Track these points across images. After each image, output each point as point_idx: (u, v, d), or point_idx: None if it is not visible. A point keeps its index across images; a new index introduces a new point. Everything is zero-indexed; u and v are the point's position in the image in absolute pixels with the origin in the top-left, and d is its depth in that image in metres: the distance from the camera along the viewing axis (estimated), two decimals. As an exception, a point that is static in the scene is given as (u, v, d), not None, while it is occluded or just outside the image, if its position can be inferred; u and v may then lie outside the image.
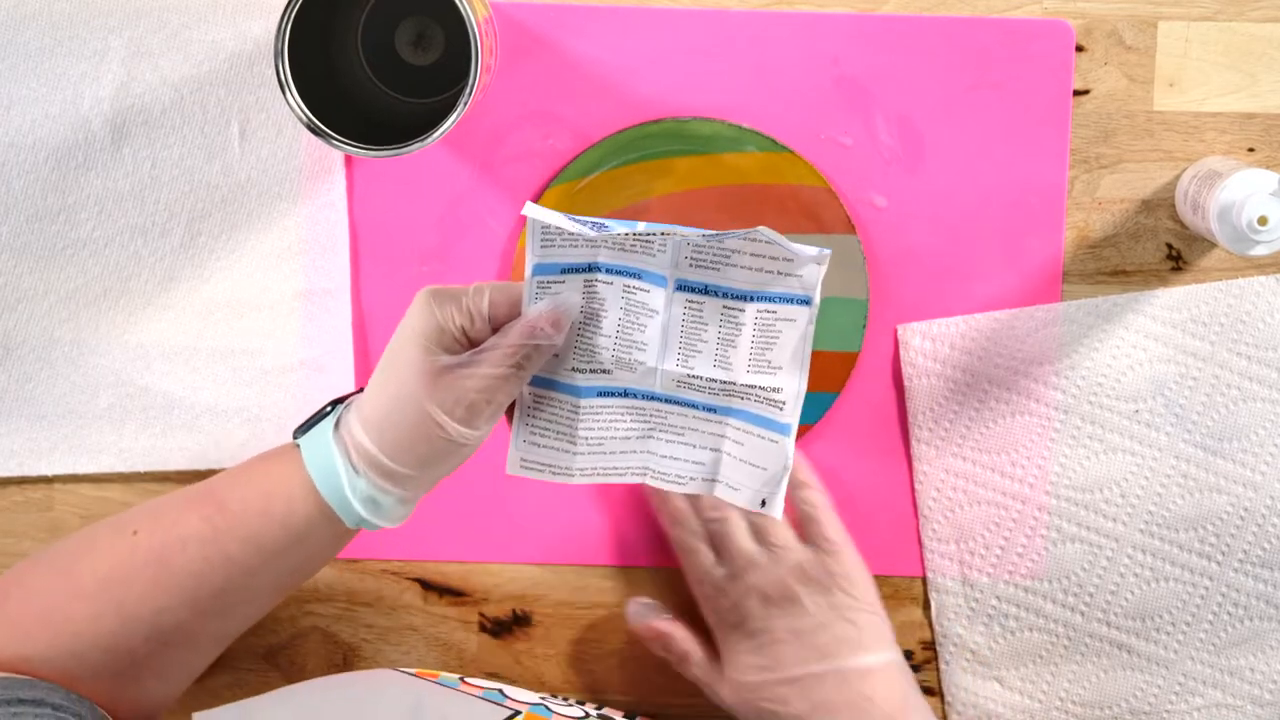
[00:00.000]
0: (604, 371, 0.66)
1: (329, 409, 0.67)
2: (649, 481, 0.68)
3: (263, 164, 0.82)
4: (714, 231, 0.63)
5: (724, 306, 0.64)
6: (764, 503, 0.65)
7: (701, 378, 0.65)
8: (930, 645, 0.85)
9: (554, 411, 0.67)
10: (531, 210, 0.62)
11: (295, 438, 0.67)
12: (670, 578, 0.85)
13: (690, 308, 0.65)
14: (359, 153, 0.72)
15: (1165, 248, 0.83)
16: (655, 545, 0.85)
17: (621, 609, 0.85)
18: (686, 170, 0.81)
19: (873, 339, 0.83)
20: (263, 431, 0.83)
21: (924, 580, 0.85)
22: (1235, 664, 0.84)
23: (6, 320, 0.83)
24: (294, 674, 0.86)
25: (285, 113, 0.81)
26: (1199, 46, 0.81)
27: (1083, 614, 0.84)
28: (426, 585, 0.86)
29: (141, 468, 0.84)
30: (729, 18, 0.81)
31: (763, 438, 0.65)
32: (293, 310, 0.83)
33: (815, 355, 0.81)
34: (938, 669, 0.85)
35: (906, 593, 0.85)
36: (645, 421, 0.67)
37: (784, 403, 0.64)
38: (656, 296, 0.65)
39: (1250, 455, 0.83)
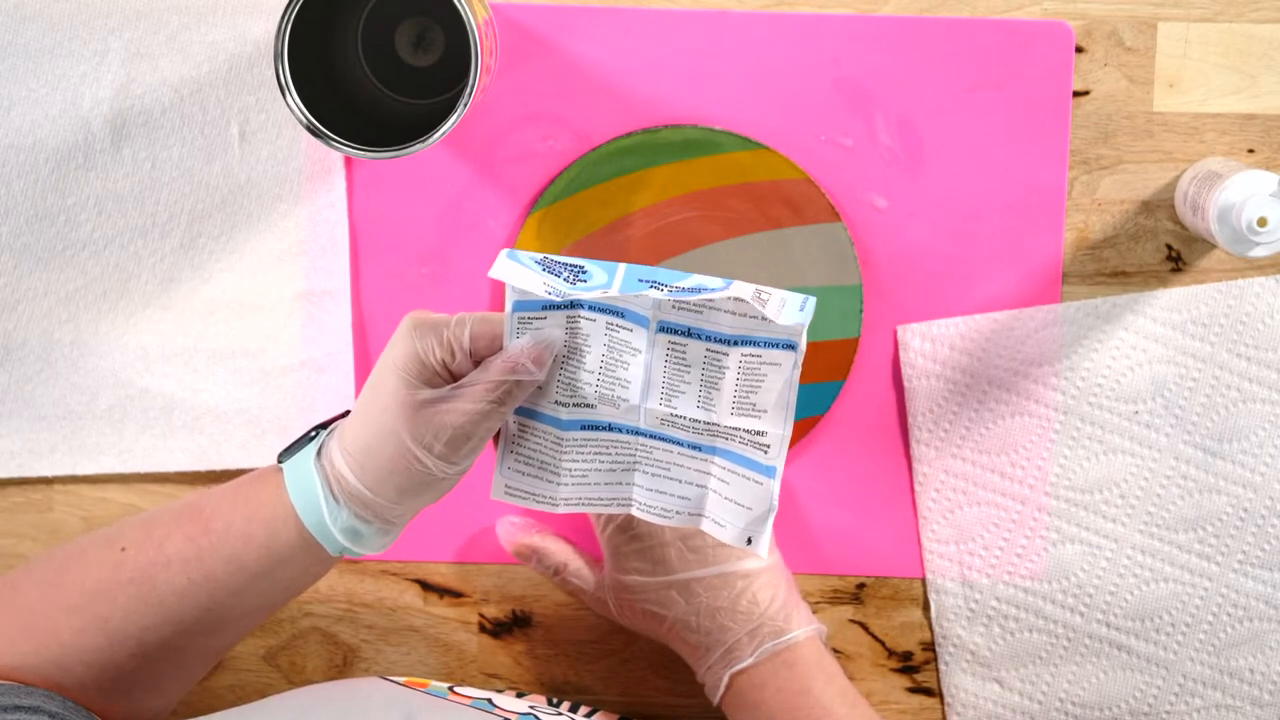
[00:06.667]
0: (587, 406, 0.66)
1: (314, 433, 0.67)
2: (634, 513, 0.68)
3: (263, 165, 0.82)
4: (691, 286, 0.62)
5: (707, 349, 0.64)
6: (750, 540, 0.65)
7: (685, 417, 0.65)
8: (930, 646, 0.85)
9: (538, 442, 0.67)
10: (503, 272, 0.62)
11: (280, 461, 0.67)
12: (670, 578, 0.85)
13: (673, 349, 0.64)
14: (358, 154, 0.72)
15: (1165, 249, 0.83)
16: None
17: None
18: (665, 179, 0.81)
19: (872, 338, 0.83)
20: (263, 433, 0.83)
21: (924, 581, 0.85)
22: (1235, 665, 0.84)
23: (6, 321, 0.83)
24: (294, 675, 0.86)
25: (285, 114, 0.81)
26: (1199, 47, 0.81)
27: (1082, 615, 0.84)
28: (426, 586, 0.86)
29: (142, 469, 0.84)
30: (729, 19, 0.81)
31: (748, 478, 0.65)
32: (293, 311, 0.83)
33: (818, 346, 0.81)
34: (937, 670, 0.85)
35: (906, 594, 0.85)
36: (630, 455, 0.67)
37: (768, 446, 0.64)
38: (639, 336, 0.64)
39: (1250, 456, 0.83)
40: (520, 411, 0.67)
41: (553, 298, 0.62)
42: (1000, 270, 0.83)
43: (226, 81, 0.82)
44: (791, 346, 0.62)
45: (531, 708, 0.72)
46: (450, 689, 0.72)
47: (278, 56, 0.71)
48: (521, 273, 0.62)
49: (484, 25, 0.72)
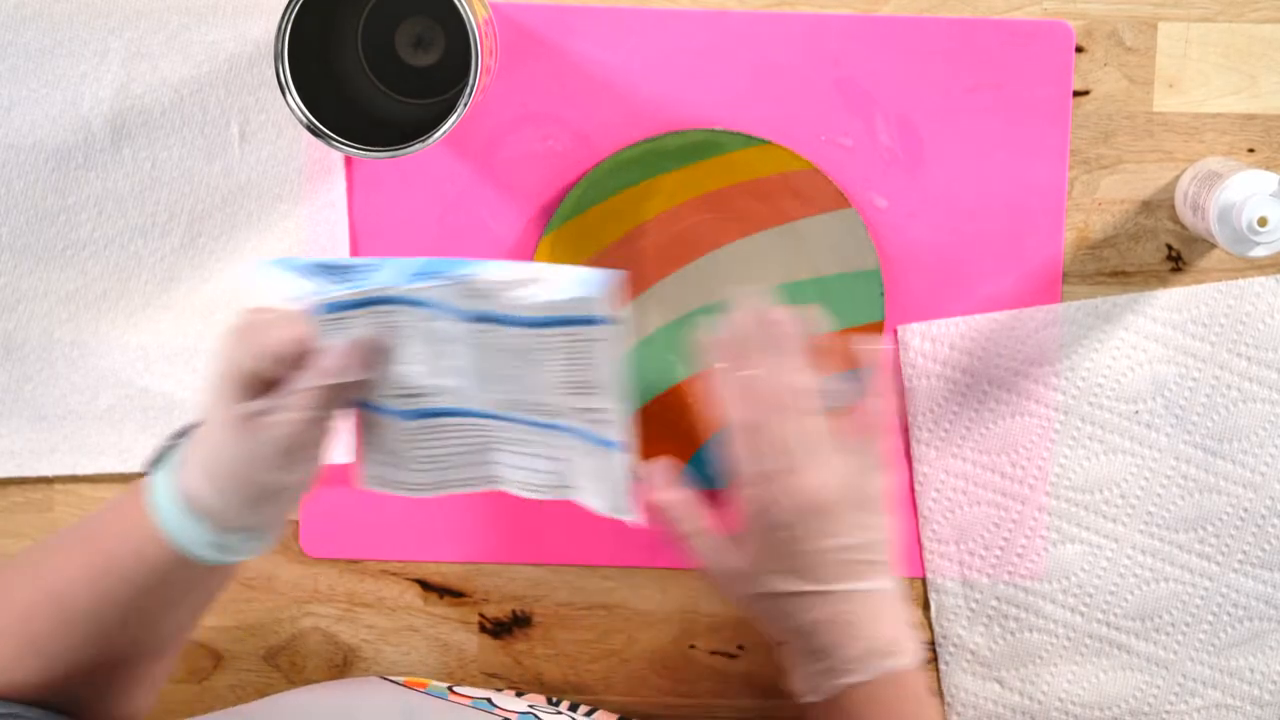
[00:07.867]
0: (419, 395, 0.65)
1: (179, 440, 0.64)
2: (504, 489, 0.67)
3: (263, 165, 0.82)
4: (463, 273, 0.60)
5: (522, 333, 0.62)
6: (619, 512, 0.65)
7: (523, 401, 0.64)
8: (930, 646, 0.85)
9: (383, 433, 0.66)
10: (262, 280, 0.61)
11: (149, 469, 0.64)
12: (670, 578, 0.85)
13: (489, 336, 0.63)
14: (359, 154, 0.72)
15: (1165, 248, 0.83)
16: (655, 545, 0.85)
17: (622, 609, 0.85)
18: (673, 185, 0.81)
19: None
20: (263, 432, 0.83)
21: (924, 581, 0.85)
22: (1235, 665, 0.84)
23: (6, 321, 0.83)
24: (294, 675, 0.86)
25: (285, 114, 0.81)
26: (1199, 47, 0.81)
27: (1083, 615, 0.84)
28: (427, 586, 0.86)
29: (141, 469, 0.84)
30: (729, 19, 0.81)
31: (597, 454, 0.64)
32: (293, 311, 0.83)
33: (843, 334, 0.81)
34: (938, 670, 0.85)
35: (906, 593, 0.85)
36: (482, 436, 0.66)
37: (609, 421, 0.63)
38: (453, 326, 0.63)
39: (1250, 456, 0.83)
40: (366, 405, 0.66)
41: (347, 296, 0.61)
42: (1000, 270, 0.83)
43: (226, 81, 0.82)
44: (605, 321, 0.61)
45: (531, 707, 0.72)
46: (450, 689, 0.72)
47: (278, 56, 0.71)
48: (283, 279, 0.61)
49: (484, 25, 0.72)
